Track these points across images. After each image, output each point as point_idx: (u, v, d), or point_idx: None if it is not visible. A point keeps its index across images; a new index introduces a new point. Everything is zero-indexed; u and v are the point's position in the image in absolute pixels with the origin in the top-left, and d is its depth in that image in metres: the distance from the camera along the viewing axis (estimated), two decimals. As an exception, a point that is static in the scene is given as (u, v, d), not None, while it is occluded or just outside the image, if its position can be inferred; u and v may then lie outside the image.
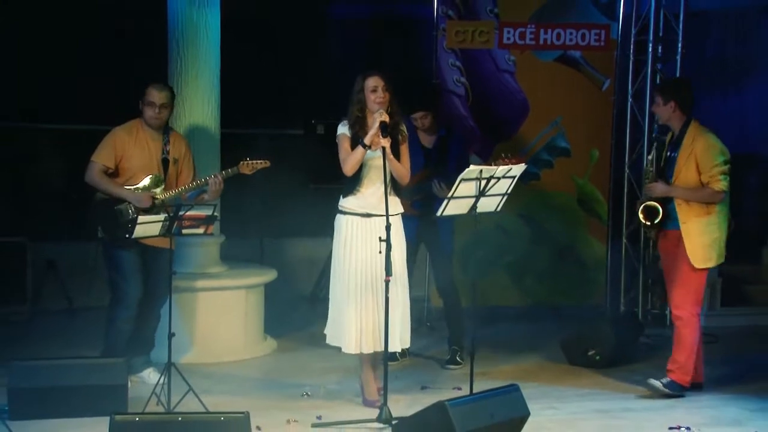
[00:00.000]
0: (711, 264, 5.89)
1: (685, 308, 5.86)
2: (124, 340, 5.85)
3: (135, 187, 5.78)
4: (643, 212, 5.93)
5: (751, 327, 8.06)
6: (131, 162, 5.80)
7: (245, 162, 5.75)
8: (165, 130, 5.94)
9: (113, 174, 5.79)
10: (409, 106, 6.43)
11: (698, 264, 5.79)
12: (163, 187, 5.83)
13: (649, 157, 6.07)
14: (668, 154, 5.93)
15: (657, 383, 5.86)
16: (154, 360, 6.09)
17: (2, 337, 7.02)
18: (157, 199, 5.77)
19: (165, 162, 5.89)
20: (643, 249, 8.04)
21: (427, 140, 6.49)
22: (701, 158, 5.78)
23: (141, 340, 6.02)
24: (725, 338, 7.63)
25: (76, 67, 8.92)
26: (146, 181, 5.80)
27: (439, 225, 6.31)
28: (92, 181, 5.78)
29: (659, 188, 5.86)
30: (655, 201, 5.87)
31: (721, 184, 5.75)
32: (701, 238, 5.79)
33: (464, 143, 6.78)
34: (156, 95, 5.81)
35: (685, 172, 5.82)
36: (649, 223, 5.92)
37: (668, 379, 5.87)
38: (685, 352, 5.86)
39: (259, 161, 5.77)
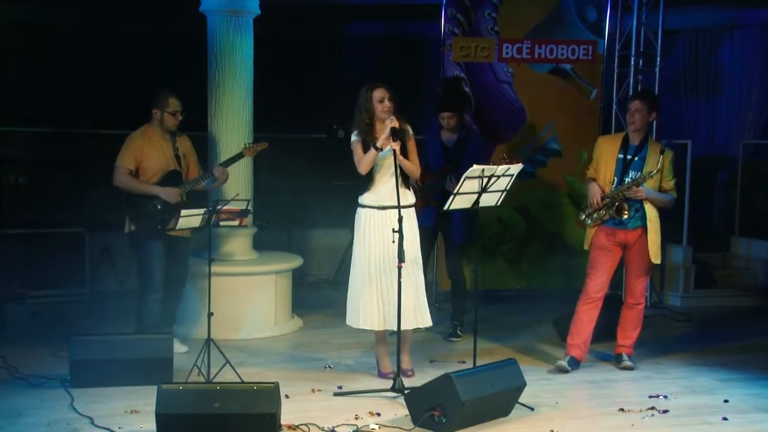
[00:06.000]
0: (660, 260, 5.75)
1: (644, 297, 5.92)
2: (155, 319, 5.83)
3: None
4: (623, 209, 5.60)
5: (720, 307, 7.99)
6: (149, 162, 5.75)
7: (246, 146, 5.84)
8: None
9: (135, 175, 5.74)
10: (440, 105, 6.41)
11: (656, 260, 5.67)
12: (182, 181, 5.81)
13: (656, 168, 5.51)
14: (630, 157, 5.63)
15: (629, 364, 5.83)
16: (190, 336, 6.11)
17: (64, 315, 7.04)
18: (182, 192, 5.74)
19: (177, 158, 5.85)
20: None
21: (447, 138, 6.45)
22: (668, 167, 5.60)
23: (166, 316, 5.99)
24: (697, 317, 7.59)
25: (128, 81, 8.94)
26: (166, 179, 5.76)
27: (452, 216, 6.24)
28: (122, 183, 5.73)
29: (646, 192, 5.57)
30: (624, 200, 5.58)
31: (676, 193, 5.70)
32: (658, 236, 5.66)
33: (481, 145, 6.69)
34: (177, 104, 5.81)
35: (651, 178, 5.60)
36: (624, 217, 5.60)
37: (629, 356, 5.88)
38: (639, 329, 5.89)
39: (258, 144, 5.87)
